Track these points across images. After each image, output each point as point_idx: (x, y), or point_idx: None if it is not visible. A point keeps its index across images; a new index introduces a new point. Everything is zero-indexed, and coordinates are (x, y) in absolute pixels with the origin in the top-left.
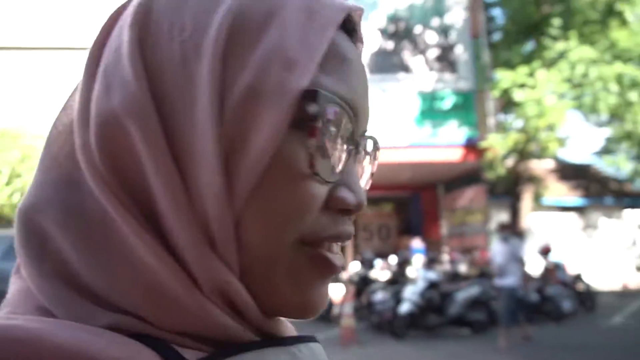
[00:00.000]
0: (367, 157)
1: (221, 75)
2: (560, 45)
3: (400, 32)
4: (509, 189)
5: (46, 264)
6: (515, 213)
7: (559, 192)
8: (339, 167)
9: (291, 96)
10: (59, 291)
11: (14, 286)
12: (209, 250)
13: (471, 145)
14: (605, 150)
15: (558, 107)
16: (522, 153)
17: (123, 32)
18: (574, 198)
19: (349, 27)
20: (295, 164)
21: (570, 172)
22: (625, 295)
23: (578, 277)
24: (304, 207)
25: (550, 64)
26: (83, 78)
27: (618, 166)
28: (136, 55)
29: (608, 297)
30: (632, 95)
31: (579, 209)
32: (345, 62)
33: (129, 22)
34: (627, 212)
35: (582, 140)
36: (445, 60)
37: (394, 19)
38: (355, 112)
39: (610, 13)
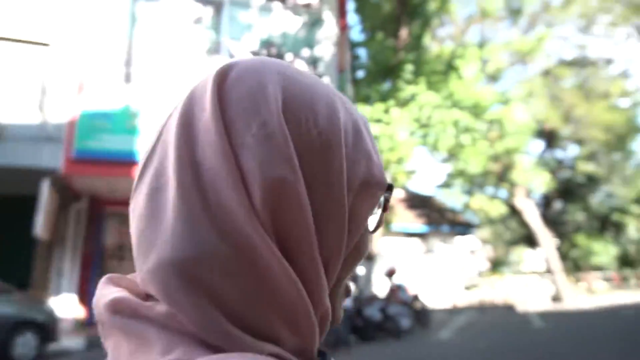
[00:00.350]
0: None
1: (345, 164)
2: (411, 89)
3: (272, 57)
4: None
5: (215, 310)
6: None
7: (406, 219)
8: None
9: (385, 188)
10: (230, 331)
11: (157, 338)
12: (326, 283)
13: None
14: (446, 184)
15: (407, 143)
16: None
17: (263, 113)
18: (418, 225)
19: None
20: (370, 225)
21: (416, 202)
22: (455, 312)
23: (416, 297)
24: (367, 251)
25: (403, 104)
26: (219, 139)
27: (453, 198)
28: (289, 137)
29: (440, 314)
30: (465, 139)
31: (421, 235)
32: None
33: (275, 109)
34: (459, 239)
35: (429, 174)
36: None
37: (266, 43)
38: None
39: (450, 67)
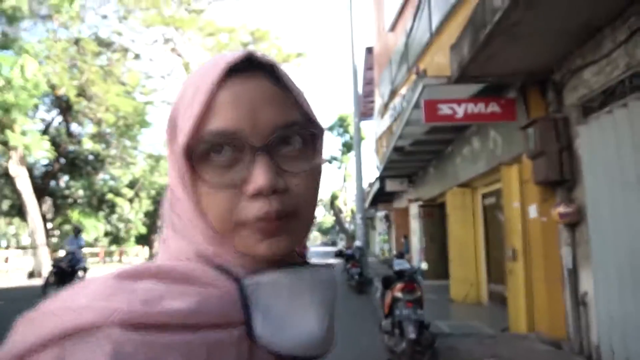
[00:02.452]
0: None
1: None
2: None
3: None
4: None
5: (177, 232)
6: None
7: None
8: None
9: (181, 150)
10: (178, 242)
11: (164, 248)
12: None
13: None
14: None
15: None
16: None
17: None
18: None
19: (242, 65)
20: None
21: None
22: None
23: None
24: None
25: None
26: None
27: None
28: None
29: None
30: None
31: None
32: (224, 102)
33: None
34: None
35: None
36: None
37: None
38: (236, 132)
39: None
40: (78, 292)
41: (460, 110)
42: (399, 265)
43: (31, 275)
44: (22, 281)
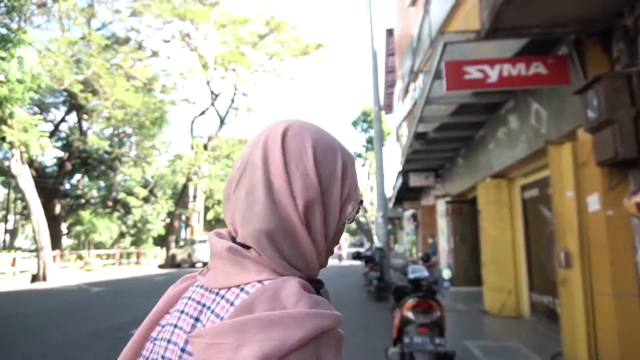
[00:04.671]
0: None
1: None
2: None
3: None
4: None
5: (279, 255)
6: None
7: None
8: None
9: (358, 202)
10: (286, 265)
11: (253, 267)
12: (326, 247)
13: None
14: None
15: None
16: None
17: (304, 160)
18: None
19: None
20: (348, 219)
21: None
22: None
23: None
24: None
25: None
26: (282, 171)
27: None
28: (316, 175)
29: None
30: None
31: None
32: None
33: (310, 159)
34: None
35: None
36: None
37: None
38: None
39: None
40: (299, 300)
41: (493, 74)
42: (415, 272)
43: (34, 278)
44: (26, 284)
